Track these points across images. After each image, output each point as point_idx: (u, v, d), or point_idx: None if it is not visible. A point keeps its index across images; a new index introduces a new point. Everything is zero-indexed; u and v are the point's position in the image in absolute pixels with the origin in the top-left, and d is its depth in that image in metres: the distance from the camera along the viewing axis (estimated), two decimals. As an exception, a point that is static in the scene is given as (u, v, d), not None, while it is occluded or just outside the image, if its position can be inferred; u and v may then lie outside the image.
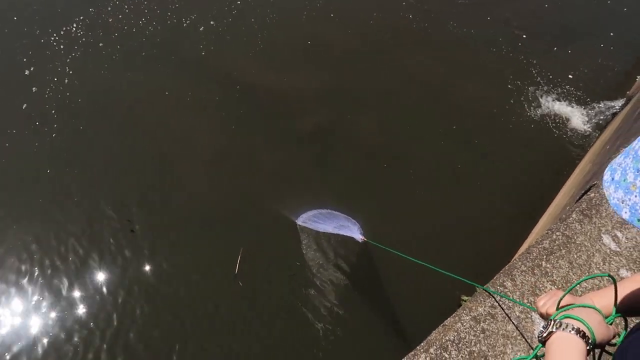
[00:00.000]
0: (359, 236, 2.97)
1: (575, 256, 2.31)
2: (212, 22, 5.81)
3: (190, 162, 4.46)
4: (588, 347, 1.06)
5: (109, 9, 5.84)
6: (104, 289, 3.57)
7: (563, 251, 2.33)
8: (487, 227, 3.99)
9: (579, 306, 1.17)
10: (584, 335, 1.07)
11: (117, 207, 4.04)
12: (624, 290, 1.28)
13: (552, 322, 1.12)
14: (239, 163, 4.50)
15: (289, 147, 4.65)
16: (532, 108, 5.29)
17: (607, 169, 1.06)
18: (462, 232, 3.95)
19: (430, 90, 5.33)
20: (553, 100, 5.42)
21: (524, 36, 6.06)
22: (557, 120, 5.21)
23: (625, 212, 0.97)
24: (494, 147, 4.77)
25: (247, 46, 5.62)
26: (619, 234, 2.40)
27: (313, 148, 4.65)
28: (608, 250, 2.34)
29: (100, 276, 3.64)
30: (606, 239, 2.37)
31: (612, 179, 1.02)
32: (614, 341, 1.11)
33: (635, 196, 0.96)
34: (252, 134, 4.73)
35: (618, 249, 2.34)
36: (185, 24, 5.75)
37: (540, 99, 5.41)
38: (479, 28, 6.09)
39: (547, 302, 1.35)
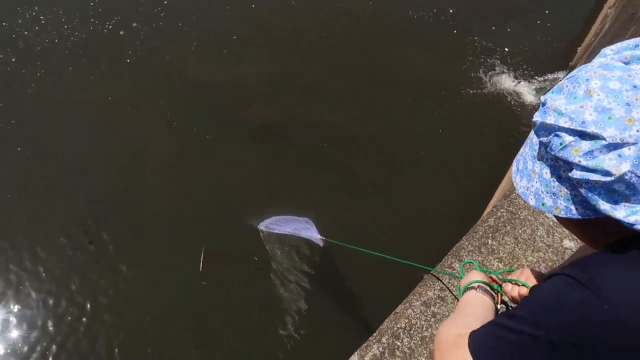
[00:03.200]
0: (317, 237, 2.95)
1: (520, 231, 2.34)
2: (142, 19, 5.61)
3: (143, 166, 4.33)
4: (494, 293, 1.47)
5: (20, 21, 5.53)
6: (65, 301, 3.44)
7: (508, 227, 2.35)
8: (441, 208, 4.02)
9: (464, 275, 1.61)
10: (485, 290, 1.45)
11: (70, 221, 3.89)
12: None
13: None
14: (193, 162, 4.39)
15: (242, 142, 4.57)
16: (480, 85, 5.36)
17: (514, 160, 1.09)
18: (419, 215, 3.97)
19: (381, 71, 5.33)
20: (499, 77, 5.51)
21: (465, 16, 6.13)
22: (505, 96, 5.30)
23: (531, 199, 1.01)
24: (446, 125, 4.81)
25: (187, 40, 5.47)
26: (560, 206, 2.44)
27: (267, 140, 4.59)
28: (551, 223, 2.37)
29: (61, 290, 3.50)
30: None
31: (517, 168, 1.06)
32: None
33: (536, 182, 0.99)
34: (205, 131, 4.63)
35: (557, 220, 2.37)
36: (111, 26, 5.53)
37: (487, 76, 5.49)
38: (424, 8, 6.12)
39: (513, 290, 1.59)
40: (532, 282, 1.50)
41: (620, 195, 0.83)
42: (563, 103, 0.86)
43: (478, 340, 1.01)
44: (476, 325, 1.15)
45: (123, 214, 3.96)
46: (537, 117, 0.91)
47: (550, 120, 0.87)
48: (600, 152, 0.82)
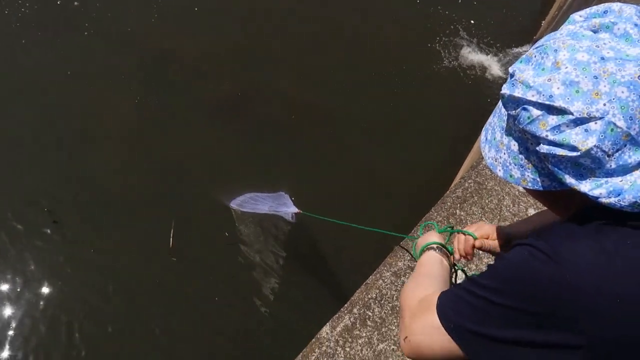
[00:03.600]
0: (293, 210, 2.91)
1: (487, 201, 2.38)
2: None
3: (106, 140, 4.17)
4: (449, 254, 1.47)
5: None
6: (33, 285, 3.33)
7: (475, 198, 2.39)
8: (410, 180, 4.06)
9: (418, 237, 1.59)
10: (443, 252, 1.45)
11: (33, 199, 3.73)
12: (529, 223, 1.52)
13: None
14: (158, 136, 4.25)
15: (207, 115, 4.45)
16: (444, 57, 5.38)
17: (483, 129, 1.09)
18: (388, 187, 3.99)
19: (344, 43, 5.27)
20: (466, 49, 5.54)
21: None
22: (472, 68, 5.34)
23: (499, 170, 1.01)
24: (413, 98, 4.82)
25: (147, 11, 5.26)
26: (525, 176, 2.49)
27: (232, 113, 4.48)
28: (517, 192, 2.43)
29: (28, 273, 3.38)
30: (514, 182, 2.46)
31: (486, 138, 1.06)
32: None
33: (504, 153, 0.99)
34: (168, 105, 4.48)
35: (525, 190, 2.43)
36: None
37: (452, 48, 5.51)
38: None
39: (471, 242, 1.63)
40: (481, 233, 1.53)
41: (586, 169, 0.84)
42: (531, 75, 0.86)
43: (447, 306, 1.02)
44: (437, 285, 1.24)
45: (87, 191, 3.83)
46: (505, 90, 0.90)
47: (518, 93, 0.86)
48: (567, 126, 0.82)
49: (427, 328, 1.04)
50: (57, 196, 3.77)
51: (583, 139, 0.80)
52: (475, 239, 1.52)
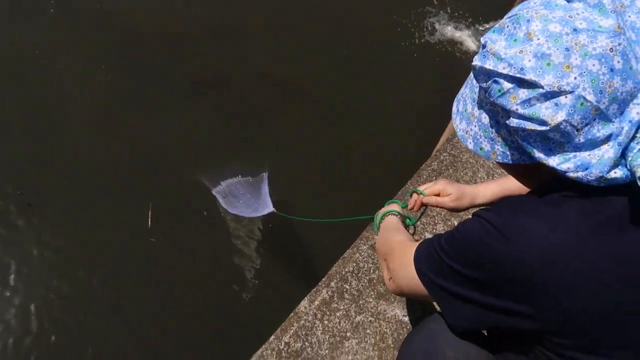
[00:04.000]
0: (270, 209, 2.91)
1: (462, 173, 2.40)
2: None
3: (80, 120, 4.03)
4: (398, 214, 1.70)
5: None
6: (10, 272, 3.25)
7: (450, 170, 2.41)
8: (385, 156, 4.07)
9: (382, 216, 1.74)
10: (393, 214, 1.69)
11: (3, 182, 3.61)
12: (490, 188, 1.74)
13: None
14: (131, 117, 4.15)
15: (184, 94, 4.34)
16: (423, 34, 5.35)
17: (455, 100, 1.08)
18: (365, 166, 3.99)
19: (319, 21, 5.19)
20: (442, 26, 5.52)
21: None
22: (449, 44, 5.33)
23: (470, 143, 1.03)
24: (390, 75, 4.80)
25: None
26: (500, 148, 2.51)
27: (210, 93, 4.39)
28: (491, 164, 2.45)
29: (3, 259, 3.30)
30: (489, 154, 2.48)
31: (457, 110, 1.05)
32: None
33: (475, 126, 0.98)
34: (144, 83, 4.36)
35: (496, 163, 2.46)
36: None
37: (430, 26, 5.48)
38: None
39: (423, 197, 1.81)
40: (431, 190, 1.72)
41: (555, 143, 0.84)
42: (503, 46, 0.84)
43: (420, 258, 1.13)
44: (405, 234, 1.49)
45: (59, 173, 3.73)
46: (476, 62, 0.89)
47: (489, 65, 0.85)
48: (538, 100, 0.81)
49: (407, 273, 1.16)
50: (28, 179, 3.67)
51: (553, 113, 0.80)
52: (424, 195, 1.73)
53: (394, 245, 1.35)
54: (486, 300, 0.93)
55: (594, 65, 0.77)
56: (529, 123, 0.83)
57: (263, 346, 1.87)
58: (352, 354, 1.85)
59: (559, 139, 0.82)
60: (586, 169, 0.82)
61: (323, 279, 2.05)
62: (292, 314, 1.95)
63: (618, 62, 0.76)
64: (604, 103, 0.78)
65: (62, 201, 3.60)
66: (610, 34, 0.77)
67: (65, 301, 3.17)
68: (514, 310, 0.88)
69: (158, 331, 3.05)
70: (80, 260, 3.34)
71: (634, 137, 0.78)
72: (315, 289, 2.02)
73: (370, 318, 1.95)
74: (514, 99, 0.83)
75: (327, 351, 1.85)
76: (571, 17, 0.80)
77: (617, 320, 0.81)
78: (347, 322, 1.93)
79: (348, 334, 1.90)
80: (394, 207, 1.74)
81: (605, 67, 0.77)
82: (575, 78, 0.78)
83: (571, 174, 0.83)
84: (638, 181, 0.75)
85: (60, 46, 4.55)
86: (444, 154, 2.46)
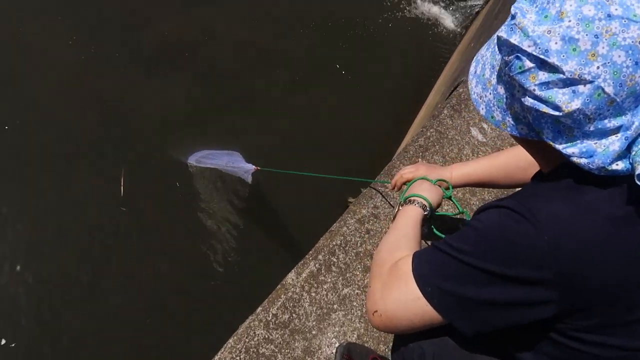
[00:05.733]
0: (250, 168, 2.82)
1: (448, 150, 2.42)
2: None
3: (44, 83, 3.83)
4: (426, 212, 1.37)
5: None
6: None
7: (437, 147, 2.42)
8: (365, 131, 4.05)
9: (413, 181, 1.52)
10: (422, 206, 1.37)
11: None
12: (481, 166, 1.67)
13: (399, 204, 1.48)
14: (96, 81, 3.95)
15: (149, 61, 4.16)
16: (399, 10, 5.29)
17: (474, 59, 1.06)
18: (342, 137, 3.96)
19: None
20: (420, 2, 5.47)
21: None
22: (426, 21, 5.30)
23: (482, 109, 1.01)
24: (366, 49, 4.74)
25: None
26: (485, 126, 2.54)
27: (178, 59, 4.22)
28: (476, 142, 2.48)
29: None
30: (474, 131, 2.51)
31: (475, 72, 1.02)
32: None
33: (490, 94, 0.97)
34: (108, 50, 4.15)
35: (484, 140, 2.49)
36: None
37: (406, 1, 5.42)
38: None
39: (404, 175, 1.75)
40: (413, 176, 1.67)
41: (565, 127, 0.84)
42: (532, 21, 0.81)
43: (424, 269, 1.01)
44: (410, 249, 1.17)
45: (27, 142, 3.54)
46: (502, 33, 0.86)
47: (514, 40, 0.83)
48: (556, 85, 0.80)
49: (403, 298, 1.00)
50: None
51: (568, 100, 0.79)
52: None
53: (393, 261, 1.11)
54: (509, 295, 0.89)
55: (619, 56, 0.75)
56: (543, 106, 0.82)
57: (250, 317, 1.87)
58: (339, 325, 1.87)
59: (569, 124, 0.82)
60: (590, 156, 0.82)
61: (310, 252, 2.05)
62: (279, 285, 1.95)
63: None
64: (621, 96, 0.77)
65: (26, 171, 3.43)
66: None
67: (37, 272, 3.05)
68: (536, 299, 0.87)
69: (136, 306, 2.98)
70: (51, 229, 3.22)
71: None
72: (302, 262, 2.02)
73: (357, 291, 1.97)
74: (533, 79, 0.82)
75: (314, 323, 1.86)
76: (608, 1, 0.76)
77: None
78: (334, 294, 1.94)
79: (335, 306, 1.92)
80: (424, 190, 1.44)
81: (631, 59, 0.75)
82: (598, 67, 0.76)
83: (575, 159, 0.84)
84: (636, 179, 0.76)
85: (20, 6, 4.26)
86: (431, 130, 2.47)
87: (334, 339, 1.84)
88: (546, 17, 0.81)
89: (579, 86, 0.78)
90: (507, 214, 0.89)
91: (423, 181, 1.48)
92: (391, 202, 2.21)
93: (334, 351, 1.80)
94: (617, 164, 0.81)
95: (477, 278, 0.91)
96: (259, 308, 1.89)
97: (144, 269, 3.12)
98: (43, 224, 3.23)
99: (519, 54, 0.83)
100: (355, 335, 1.86)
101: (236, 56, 4.37)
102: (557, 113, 0.81)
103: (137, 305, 2.96)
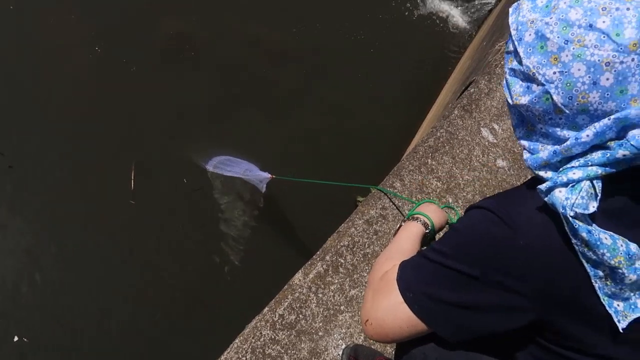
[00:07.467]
0: (266, 176, 2.81)
1: (458, 151, 2.39)
2: None
3: (61, 82, 3.86)
4: (427, 231, 1.33)
5: None
6: None
7: (447, 147, 2.39)
8: (374, 130, 4.02)
9: (421, 202, 1.50)
10: (424, 223, 1.33)
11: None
12: None
13: (402, 220, 1.46)
14: (108, 78, 3.97)
15: (157, 59, 4.16)
16: (410, 8, 5.25)
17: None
18: (352, 136, 3.94)
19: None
20: (430, 0, 5.42)
21: None
22: (437, 19, 5.26)
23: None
24: (377, 47, 4.71)
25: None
26: (496, 126, 2.51)
27: (190, 57, 4.23)
28: (487, 143, 2.45)
29: None
30: (485, 132, 2.48)
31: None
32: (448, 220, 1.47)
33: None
34: (115, 48, 4.16)
35: (495, 141, 2.46)
36: None
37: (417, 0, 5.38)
38: None
39: None
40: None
41: (526, 120, 0.88)
42: (529, 7, 0.82)
43: (406, 274, 1.00)
44: (404, 257, 1.13)
45: (41, 136, 3.58)
46: (512, 8, 0.88)
47: (511, 19, 0.85)
48: (519, 75, 0.83)
49: (389, 305, 0.98)
50: (10, 140, 3.52)
51: (520, 94, 0.81)
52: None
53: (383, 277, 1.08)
54: (483, 299, 0.87)
55: (579, 69, 0.73)
56: (506, 90, 0.86)
57: (257, 317, 1.86)
58: (346, 327, 1.86)
59: (530, 118, 0.85)
60: (532, 154, 0.85)
61: (318, 253, 2.04)
62: (286, 286, 1.94)
63: (607, 79, 0.71)
64: (571, 109, 0.76)
65: (43, 163, 3.48)
66: (619, 48, 0.69)
67: (44, 263, 3.09)
68: (511, 305, 0.84)
69: (147, 303, 3.00)
70: (62, 222, 3.25)
71: (583, 155, 0.76)
72: (309, 262, 2.01)
73: (364, 292, 1.95)
74: (510, 62, 0.85)
75: (320, 324, 1.86)
76: (605, 9, 0.71)
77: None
78: (341, 295, 1.93)
79: (342, 308, 1.90)
80: (431, 211, 1.39)
81: (589, 77, 0.72)
82: (554, 73, 0.75)
83: (524, 153, 0.87)
84: (538, 191, 0.80)
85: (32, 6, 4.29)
86: (441, 131, 2.44)
87: (340, 341, 1.83)
88: (541, 6, 0.80)
89: (533, 84, 0.80)
90: (487, 216, 0.87)
91: (430, 203, 1.47)
92: (399, 204, 2.19)
93: (341, 353, 1.79)
94: (545, 172, 0.81)
95: (453, 280, 0.89)
96: (266, 308, 1.88)
97: (151, 266, 3.15)
98: (55, 218, 3.27)
99: (510, 34, 0.85)
100: (362, 337, 1.85)
101: (248, 53, 4.36)
102: (509, 101, 0.85)
103: (144, 303, 2.98)
